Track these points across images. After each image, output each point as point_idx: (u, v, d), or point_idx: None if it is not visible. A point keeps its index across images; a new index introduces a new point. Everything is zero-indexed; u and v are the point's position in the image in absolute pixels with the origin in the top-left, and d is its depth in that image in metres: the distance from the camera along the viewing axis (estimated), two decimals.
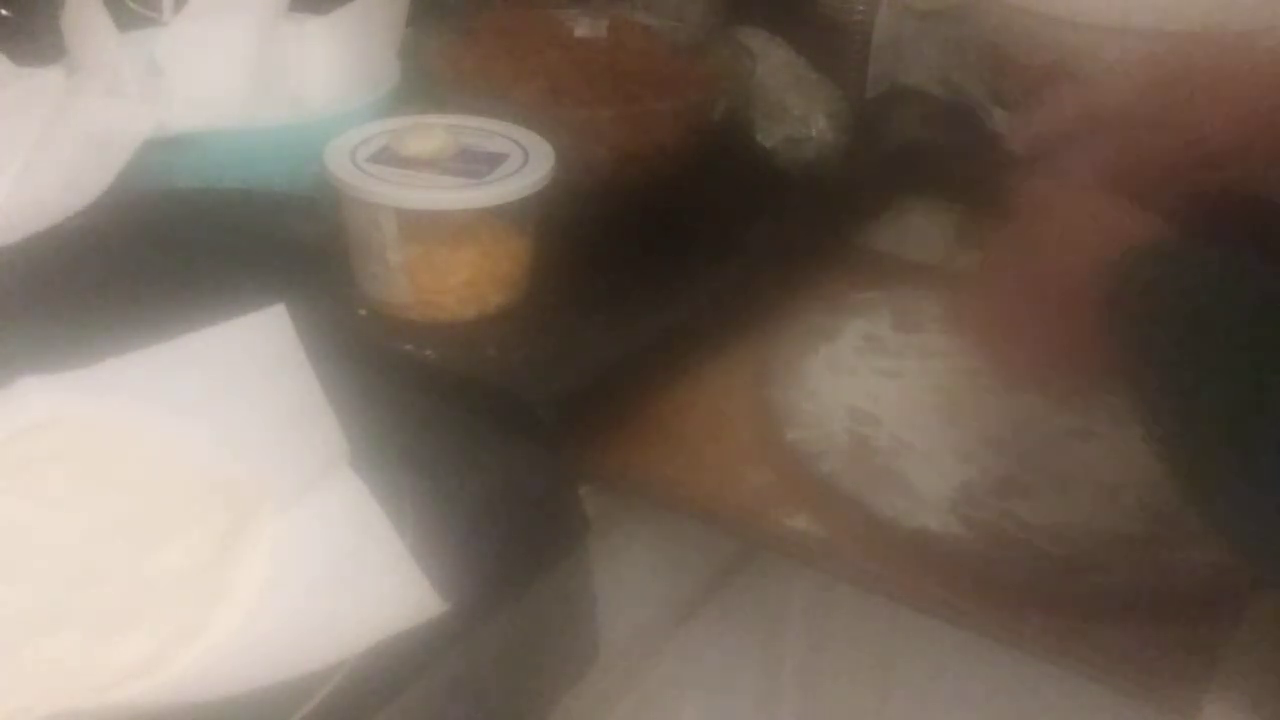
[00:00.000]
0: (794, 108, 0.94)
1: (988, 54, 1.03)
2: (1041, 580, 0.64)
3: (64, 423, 0.60)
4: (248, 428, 0.61)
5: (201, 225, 0.80)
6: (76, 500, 0.57)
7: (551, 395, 0.70)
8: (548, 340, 0.75)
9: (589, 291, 0.79)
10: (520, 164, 0.75)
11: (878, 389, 0.77)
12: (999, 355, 0.69)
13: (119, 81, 0.83)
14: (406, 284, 0.75)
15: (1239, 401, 0.49)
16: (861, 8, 1.03)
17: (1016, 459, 0.71)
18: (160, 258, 0.78)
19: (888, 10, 1.04)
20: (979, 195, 0.99)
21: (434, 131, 0.77)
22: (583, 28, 0.96)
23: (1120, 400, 0.56)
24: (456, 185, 0.73)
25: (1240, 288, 0.52)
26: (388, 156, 0.75)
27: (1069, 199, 0.64)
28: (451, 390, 0.71)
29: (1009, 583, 0.64)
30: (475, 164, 0.75)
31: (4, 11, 0.96)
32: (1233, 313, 0.51)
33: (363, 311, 0.76)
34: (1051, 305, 0.61)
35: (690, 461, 0.72)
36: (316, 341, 0.65)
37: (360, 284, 0.77)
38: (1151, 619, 0.62)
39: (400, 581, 0.54)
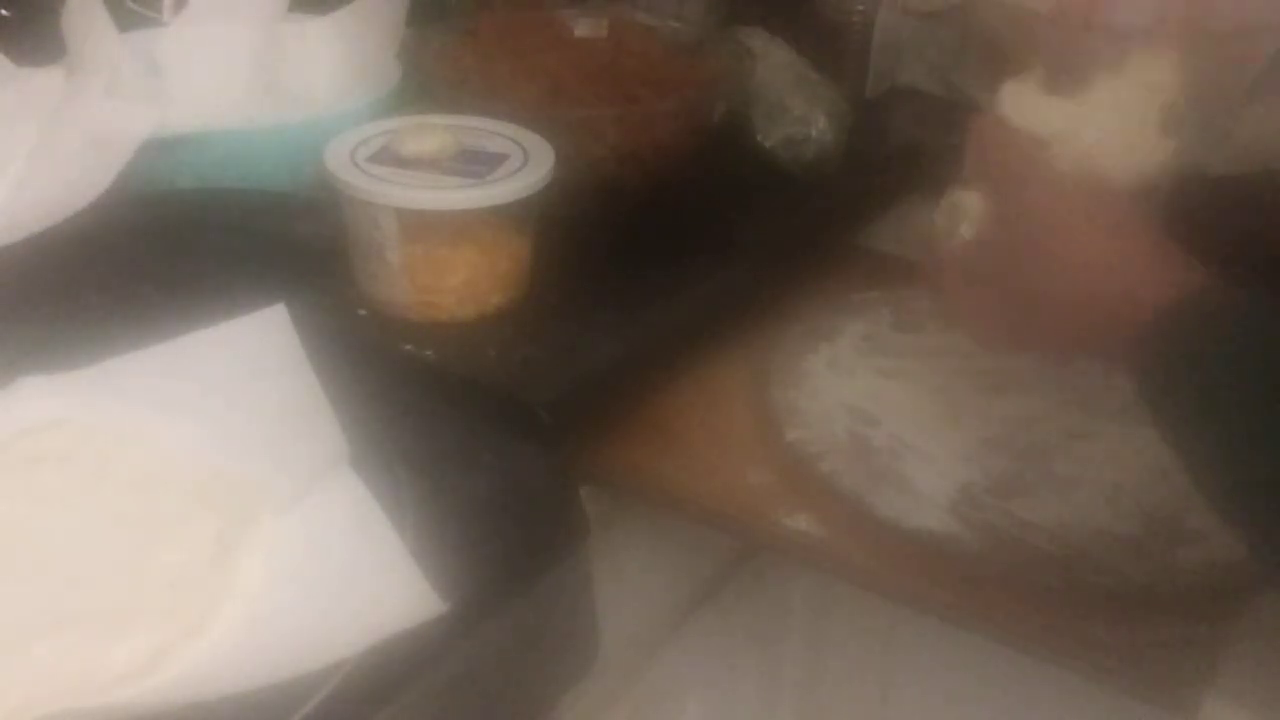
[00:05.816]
0: (794, 108, 0.94)
1: (988, 54, 1.03)
2: (1041, 580, 0.64)
3: (64, 423, 0.60)
4: (248, 428, 0.61)
5: (201, 225, 0.80)
6: (76, 500, 0.57)
7: (551, 395, 0.70)
8: (548, 340, 0.75)
9: (589, 291, 0.79)
10: (520, 164, 0.75)
11: (878, 389, 0.77)
12: (986, 330, 0.67)
13: (119, 81, 0.83)
14: (406, 284, 0.75)
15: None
16: (861, 8, 1.03)
17: (1016, 459, 0.71)
18: (160, 258, 0.78)
19: (888, 10, 1.04)
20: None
21: (434, 131, 0.77)
22: (583, 28, 0.96)
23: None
24: (456, 185, 0.73)
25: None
26: (388, 156, 0.75)
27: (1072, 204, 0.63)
28: (451, 390, 0.71)
29: (1009, 583, 0.64)
30: (475, 164, 0.75)
31: (4, 11, 0.96)
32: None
33: (363, 311, 0.76)
34: (1059, 309, 0.60)
35: (690, 461, 0.72)
36: (316, 341, 0.65)
37: (360, 284, 0.77)
38: (1151, 619, 0.62)
39: (400, 581, 0.54)
